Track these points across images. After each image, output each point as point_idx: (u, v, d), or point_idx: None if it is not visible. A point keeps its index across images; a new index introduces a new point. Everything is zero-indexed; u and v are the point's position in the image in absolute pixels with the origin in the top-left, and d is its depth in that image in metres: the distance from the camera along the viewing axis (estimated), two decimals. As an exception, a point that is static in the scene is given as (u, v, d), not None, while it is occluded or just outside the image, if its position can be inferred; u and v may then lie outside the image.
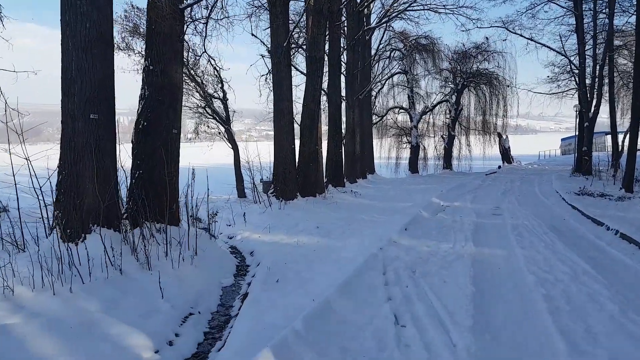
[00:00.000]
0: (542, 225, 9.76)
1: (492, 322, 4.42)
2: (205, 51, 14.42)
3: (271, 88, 13.45)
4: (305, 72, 14.92)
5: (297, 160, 13.98)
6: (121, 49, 16.11)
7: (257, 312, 4.60)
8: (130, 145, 7.81)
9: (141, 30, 15.95)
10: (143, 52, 16.60)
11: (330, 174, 17.68)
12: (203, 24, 13.36)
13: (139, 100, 7.71)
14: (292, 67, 18.97)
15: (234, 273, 7.05)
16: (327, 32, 15.43)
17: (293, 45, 18.12)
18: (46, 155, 6.19)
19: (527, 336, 4.11)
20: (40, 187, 5.89)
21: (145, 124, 7.58)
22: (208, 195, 8.82)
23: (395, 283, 5.48)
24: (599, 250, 7.47)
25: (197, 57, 15.23)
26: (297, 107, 15.77)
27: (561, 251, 7.30)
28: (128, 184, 7.65)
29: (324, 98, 19.39)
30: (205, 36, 14.06)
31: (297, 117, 15.13)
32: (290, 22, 14.19)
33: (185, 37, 16.73)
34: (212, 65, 15.66)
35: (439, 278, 5.70)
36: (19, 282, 4.57)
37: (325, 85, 18.52)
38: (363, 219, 11.28)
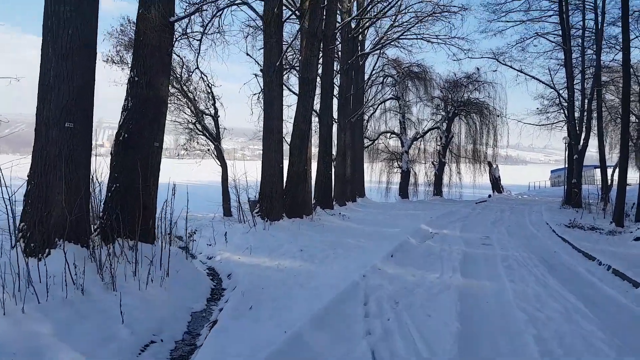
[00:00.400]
0: (532, 258, 9.47)
1: (478, 366, 4.07)
2: (197, 67, 14.20)
3: (262, 106, 13.24)
4: (297, 92, 14.75)
5: (285, 180, 13.70)
6: (115, 62, 15.90)
7: (222, 344, 4.20)
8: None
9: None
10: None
11: (319, 196, 17.39)
12: (197, 40, 13.27)
13: (122, 112, 7.46)
14: (285, 87, 18.94)
15: (208, 297, 6.64)
16: (320, 55, 15.36)
17: (286, 66, 18.07)
18: (19, 164, 5.88)
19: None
20: (10, 197, 5.52)
21: (126, 135, 7.30)
22: (187, 213, 8.46)
23: (376, 315, 5.13)
24: (592, 286, 7.17)
25: (190, 73, 15.02)
26: (288, 127, 15.58)
27: (552, 286, 6.98)
28: (104, 198, 7.32)
29: (315, 119, 19.26)
30: (199, 53, 13.89)
31: (288, 137, 14.91)
32: (284, 43, 14.10)
33: (179, 52, 16.67)
34: (204, 81, 15.45)
35: (423, 311, 5.36)
36: None
37: (317, 107, 18.41)
38: (349, 243, 10.94)
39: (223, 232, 11.54)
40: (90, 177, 6.96)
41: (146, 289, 5.48)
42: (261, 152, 13.23)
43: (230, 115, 17.83)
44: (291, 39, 16.97)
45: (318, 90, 17.08)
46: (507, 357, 4.26)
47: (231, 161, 16.69)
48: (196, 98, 16.50)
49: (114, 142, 7.34)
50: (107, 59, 15.78)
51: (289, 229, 12.20)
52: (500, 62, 24.14)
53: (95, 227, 7.12)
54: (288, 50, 18.34)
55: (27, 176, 5.64)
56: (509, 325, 5.15)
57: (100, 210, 7.36)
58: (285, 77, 19.59)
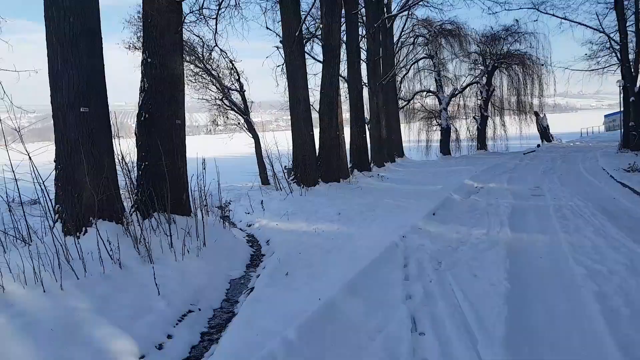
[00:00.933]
0: (589, 206, 8.73)
1: (531, 331, 3.65)
2: (216, 45, 13.98)
3: (286, 78, 12.98)
4: (321, 60, 14.28)
5: (318, 147, 13.43)
6: (137, 48, 15.84)
7: (256, 313, 4.01)
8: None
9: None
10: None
11: (355, 159, 17.02)
12: (212, 19, 12.91)
13: (139, 93, 7.43)
14: (309, 56, 18.44)
15: (247, 263, 6.53)
16: (342, 21, 14.76)
17: (308, 35, 17.59)
18: (47, 151, 5.90)
19: (576, 351, 3.32)
20: (43, 182, 5.54)
21: (146, 116, 7.28)
22: (219, 184, 8.33)
23: (416, 277, 4.78)
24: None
25: (210, 52, 14.82)
26: (317, 95, 15.14)
27: (613, 236, 6.33)
28: (135, 176, 7.31)
29: (344, 85, 18.67)
30: (216, 31, 13.64)
31: (316, 105, 14.54)
32: (302, 12, 13.62)
33: (198, 32, 16.40)
34: (224, 58, 15.25)
35: (469, 271, 4.95)
36: (12, 279, 4.19)
37: (345, 72, 17.81)
38: (388, 203, 10.53)
39: (260, 200, 11.44)
40: (122, 157, 6.99)
41: (183, 259, 5.43)
42: (294, 122, 13.00)
43: (260, 89, 17.60)
44: (309, 7, 16.31)
45: (344, 57, 16.51)
46: (564, 320, 3.80)
47: (263, 132, 16.50)
48: (220, 75, 16.30)
49: (136, 123, 7.33)
50: (129, 45, 15.78)
51: (325, 194, 11.93)
52: (541, 12, 22.36)
53: (132, 204, 7.15)
54: (309, 19, 17.73)
55: (54, 161, 5.65)
56: (565, 282, 4.67)
57: (134, 188, 7.37)
58: (308, 46, 19.04)
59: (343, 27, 16.12)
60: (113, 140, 6.22)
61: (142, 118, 7.23)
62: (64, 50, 5.46)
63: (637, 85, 20.47)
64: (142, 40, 7.72)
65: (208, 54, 15.82)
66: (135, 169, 7.39)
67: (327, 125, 13.57)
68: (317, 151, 13.47)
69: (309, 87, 13.58)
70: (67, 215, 5.28)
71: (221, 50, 14.59)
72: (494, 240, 6.23)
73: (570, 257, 5.35)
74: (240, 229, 9.13)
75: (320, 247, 6.53)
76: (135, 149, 7.40)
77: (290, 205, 10.53)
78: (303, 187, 12.16)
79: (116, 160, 6.54)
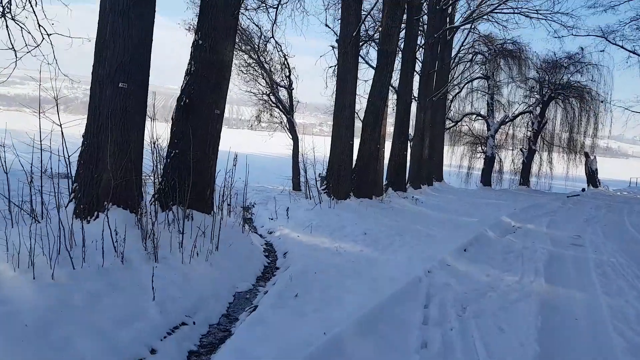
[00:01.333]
0: (632, 266, 8.01)
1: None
2: (272, 36, 13.85)
3: (336, 80, 12.52)
4: (375, 66, 13.82)
5: (356, 158, 13.02)
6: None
7: (252, 339, 3.68)
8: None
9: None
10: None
11: (392, 177, 16.47)
12: (274, 8, 12.77)
13: (185, 76, 7.17)
14: (362, 60, 17.95)
15: (259, 275, 6.21)
16: (403, 26, 14.22)
17: (365, 38, 17.09)
18: (79, 124, 5.74)
19: None
20: (69, 156, 5.38)
21: (187, 101, 7.00)
22: (246, 184, 8.10)
23: (437, 322, 4.35)
24: None
25: (265, 43, 14.63)
26: (363, 103, 14.73)
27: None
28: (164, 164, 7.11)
29: (392, 96, 18.18)
30: (275, 22, 13.53)
31: (361, 114, 14.08)
32: (363, 12, 13.18)
33: (257, 22, 16.35)
34: (278, 51, 15.01)
35: (495, 323, 4.48)
36: (6, 259, 4.01)
37: (396, 83, 17.32)
38: (418, 230, 10.06)
39: (287, 207, 11.19)
40: (154, 141, 6.81)
41: (190, 262, 5.12)
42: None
43: (308, 90, 17.36)
44: (371, 7, 15.86)
45: (398, 65, 16.00)
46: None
47: (302, 135, 16.24)
48: (272, 70, 16.12)
49: (175, 106, 7.07)
50: (189, 27, 15.81)
51: (355, 210, 11.55)
52: (609, 41, 21.21)
53: (154, 192, 6.96)
54: (368, 21, 17.34)
55: (82, 136, 5.47)
56: (602, 354, 4.14)
57: (160, 176, 7.17)
58: (364, 50, 18.61)
59: (402, 35, 15.70)
60: (151, 122, 6.02)
61: (182, 102, 7.01)
62: (115, 20, 5.24)
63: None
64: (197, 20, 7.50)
65: (264, 45, 15.68)
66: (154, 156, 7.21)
67: (369, 137, 13.05)
68: (355, 163, 13.10)
69: (358, 93, 13.28)
70: (82, 195, 5.10)
71: (277, 42, 14.42)
72: (527, 291, 5.69)
73: (610, 324, 4.79)
74: (261, 235, 8.87)
75: (339, 269, 6.17)
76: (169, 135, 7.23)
77: (316, 217, 10.22)
78: (333, 199, 11.82)
79: (149, 144, 6.37)
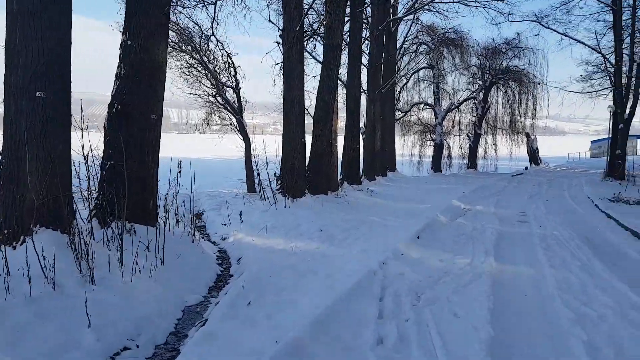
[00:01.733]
0: (574, 237, 8.29)
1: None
2: (213, 34, 13.41)
3: (283, 76, 12.19)
4: (322, 61, 13.61)
5: (309, 155, 12.82)
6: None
7: (201, 356, 3.40)
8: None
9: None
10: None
11: (346, 171, 16.41)
12: (212, 4, 12.36)
13: (115, 80, 6.66)
14: (310, 56, 17.76)
15: (211, 286, 5.88)
16: (347, 20, 14.11)
17: (310, 32, 16.85)
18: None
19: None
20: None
21: (119, 107, 6.52)
22: (193, 191, 7.73)
23: (392, 315, 4.22)
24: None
25: (206, 41, 14.13)
26: (313, 99, 14.54)
27: (600, 274, 5.93)
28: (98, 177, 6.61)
29: (342, 90, 18.11)
30: (214, 18, 13.06)
31: (312, 110, 13.88)
32: (305, 5, 12.93)
33: (197, 20, 15.78)
34: (219, 49, 14.53)
35: (450, 308, 4.40)
36: None
37: (345, 77, 17.24)
38: (374, 221, 9.99)
39: (244, 210, 10.86)
40: (85, 153, 6.30)
41: (131, 281, 4.73)
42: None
43: (260, 89, 16.92)
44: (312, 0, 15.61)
45: (345, 59, 15.90)
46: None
47: (253, 135, 15.86)
48: (217, 69, 15.62)
49: (107, 114, 6.59)
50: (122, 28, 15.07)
51: (311, 207, 11.36)
52: (543, 25, 21.99)
53: (91, 209, 6.46)
54: (313, 15, 17.14)
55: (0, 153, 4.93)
56: (552, 328, 4.18)
57: (96, 190, 6.67)
58: (311, 45, 18.40)
59: (347, 28, 15.55)
60: (82, 133, 5.52)
61: (114, 109, 6.49)
62: (24, 21, 4.70)
63: (627, 112, 20.11)
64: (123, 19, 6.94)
65: (205, 44, 15.13)
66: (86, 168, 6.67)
67: (321, 132, 12.84)
68: (309, 160, 12.90)
69: (307, 89, 13.04)
70: (4, 220, 4.61)
71: (217, 40, 13.96)
72: (478, 272, 5.69)
73: (557, 297, 4.86)
74: (214, 242, 8.50)
75: (294, 269, 5.95)
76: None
77: (271, 218, 9.97)
78: (288, 198, 11.58)
79: (78, 157, 5.88)
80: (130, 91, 6.53)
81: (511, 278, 5.71)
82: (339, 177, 16.44)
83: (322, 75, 12.85)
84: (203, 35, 15.13)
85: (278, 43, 15.50)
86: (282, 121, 12.20)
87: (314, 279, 5.49)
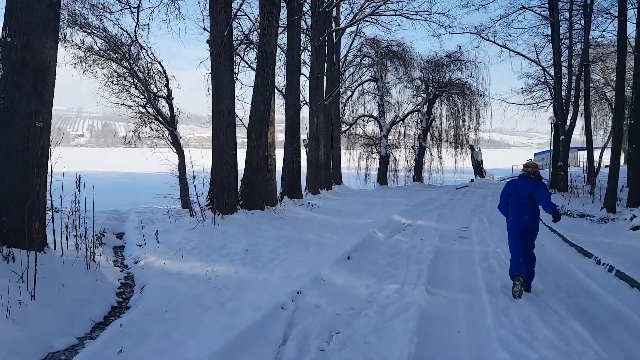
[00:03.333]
0: (515, 255, 7.86)
1: None
2: (136, 39, 12.38)
3: (211, 85, 11.32)
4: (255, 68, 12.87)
5: (244, 168, 12.00)
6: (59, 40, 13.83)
7: None
8: None
9: (80, 21, 13.74)
10: (78, 43, 14.40)
11: (286, 185, 15.64)
12: (134, 8, 11.34)
13: (-8, 83, 5.61)
14: (246, 65, 16.95)
15: (99, 322, 4.92)
16: (280, 25, 13.46)
17: (246, 41, 16.10)
18: None
19: None
20: None
21: (-4, 115, 5.48)
22: (93, 207, 6.74)
23: (291, 366, 3.44)
24: (593, 298, 5.57)
25: (129, 47, 13.02)
26: (247, 110, 13.74)
27: (546, 302, 5.32)
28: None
29: (281, 101, 17.43)
30: (137, 23, 12.02)
31: (246, 121, 13.07)
32: (234, 9, 12.17)
33: (125, 26, 14.68)
34: (145, 55, 13.42)
35: (363, 355, 3.68)
36: None
37: (284, 88, 16.58)
38: (308, 239, 9.28)
39: (168, 228, 9.86)
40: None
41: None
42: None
43: (200, 101, 15.82)
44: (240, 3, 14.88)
45: (283, 68, 15.26)
46: None
47: (189, 148, 14.78)
48: (147, 78, 14.47)
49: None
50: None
51: (242, 224, 10.49)
52: (483, 38, 22.35)
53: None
54: (246, 22, 16.40)
55: None
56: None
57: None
58: (249, 56, 17.58)
59: (285, 36, 14.78)
60: None
61: (-9, 116, 5.52)
62: None
63: (567, 124, 20.55)
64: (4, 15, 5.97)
65: (127, 49, 13.96)
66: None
67: (256, 144, 12.03)
68: (243, 173, 12.06)
69: (242, 100, 12.18)
70: None
71: (142, 47, 12.88)
72: (407, 302, 5.01)
73: (495, 335, 4.19)
74: (126, 265, 7.49)
75: (198, 302, 5.09)
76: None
77: (196, 237, 9.03)
78: (218, 215, 10.67)
79: None
80: (8, 95, 5.53)
81: (443, 309, 5.04)
82: (280, 191, 15.69)
83: (256, 84, 12.09)
84: (132, 42, 14.01)
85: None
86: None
87: (217, 314, 4.65)
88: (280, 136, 17.58)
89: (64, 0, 12.70)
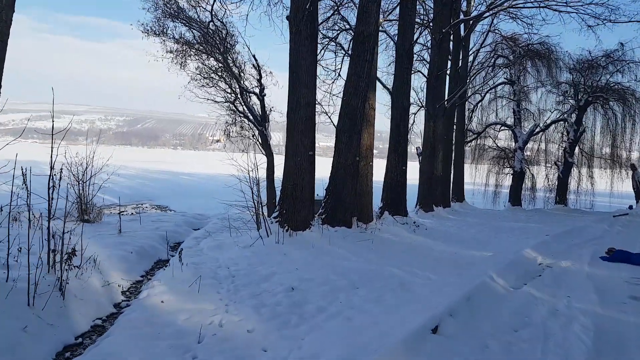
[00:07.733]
0: None
1: None
2: (214, 16, 10.84)
3: (289, 69, 9.08)
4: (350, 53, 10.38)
5: (329, 175, 9.63)
6: (156, 34, 13.10)
7: None
8: None
9: (182, 15, 12.80)
10: (177, 38, 13.47)
11: (387, 198, 12.78)
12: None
13: None
14: (340, 48, 14.47)
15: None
16: (396, 10, 10.83)
17: (339, 21, 13.69)
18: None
19: None
20: None
21: None
22: (49, 212, 4.83)
23: None
24: None
25: (205, 25, 11.60)
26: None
27: None
28: None
29: (387, 98, 14.63)
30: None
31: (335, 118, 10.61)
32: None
33: (223, 19, 13.42)
34: (220, 35, 11.88)
35: None
36: None
37: (390, 82, 13.82)
38: (392, 276, 6.47)
39: (221, 243, 7.92)
40: None
41: None
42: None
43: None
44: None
45: (389, 58, 12.57)
46: None
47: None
48: (241, 73, 12.98)
49: None
50: (147, 30, 12.97)
51: (312, 245, 8.03)
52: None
53: None
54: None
55: None
56: None
57: None
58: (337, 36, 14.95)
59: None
60: None
61: None
62: None
63: None
64: None
65: (230, 44, 12.69)
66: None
67: (345, 146, 9.47)
68: (328, 181, 9.68)
69: (333, 93, 9.72)
70: None
71: (221, 22, 11.45)
72: None
73: None
74: (129, 296, 5.54)
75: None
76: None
77: (245, 260, 6.95)
78: (287, 230, 8.38)
79: None
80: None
81: None
82: (380, 205, 12.91)
83: (350, 73, 9.57)
84: (228, 34, 12.65)
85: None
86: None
87: None
88: (377, 143, 14.82)
89: None
